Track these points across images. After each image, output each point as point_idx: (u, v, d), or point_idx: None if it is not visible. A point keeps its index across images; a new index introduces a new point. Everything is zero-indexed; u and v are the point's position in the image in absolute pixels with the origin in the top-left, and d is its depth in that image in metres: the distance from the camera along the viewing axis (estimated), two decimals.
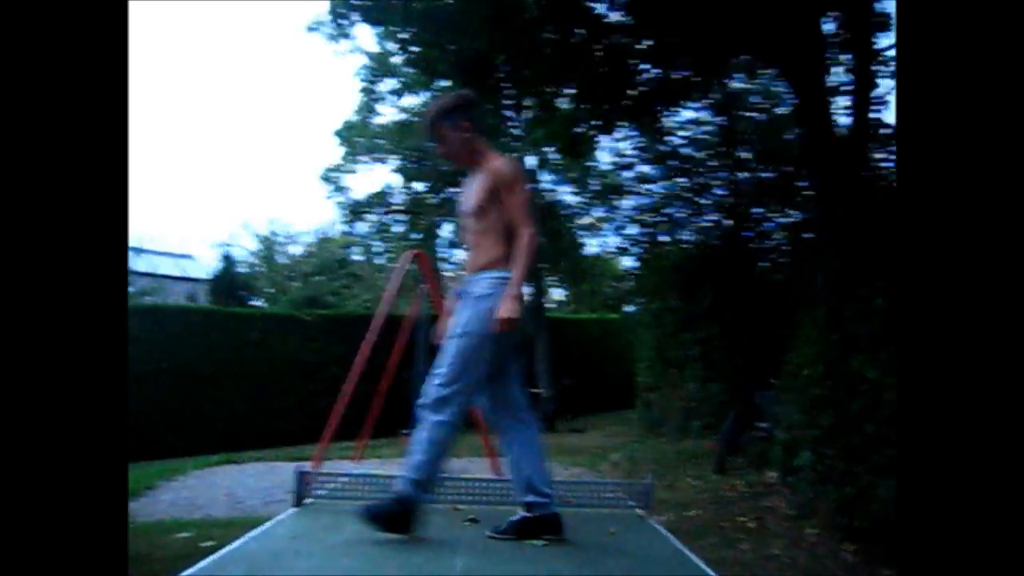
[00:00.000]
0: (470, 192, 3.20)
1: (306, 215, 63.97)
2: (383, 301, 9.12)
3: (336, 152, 17.29)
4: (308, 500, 3.52)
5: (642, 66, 7.99)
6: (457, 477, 3.72)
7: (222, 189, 57.21)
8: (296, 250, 27.43)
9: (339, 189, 16.47)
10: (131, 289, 18.23)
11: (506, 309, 2.95)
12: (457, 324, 3.04)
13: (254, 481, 8.17)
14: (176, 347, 13.83)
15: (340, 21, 9.21)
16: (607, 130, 8.48)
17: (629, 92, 7.96)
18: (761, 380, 7.47)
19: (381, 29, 13.33)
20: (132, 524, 5.90)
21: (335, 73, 62.60)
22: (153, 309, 14.40)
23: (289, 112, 57.57)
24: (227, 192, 55.91)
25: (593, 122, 8.03)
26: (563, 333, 17.89)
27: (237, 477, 8.51)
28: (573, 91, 8.38)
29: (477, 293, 3.05)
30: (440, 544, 2.79)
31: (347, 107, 41.06)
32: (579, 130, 8.10)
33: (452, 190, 15.98)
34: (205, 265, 28.02)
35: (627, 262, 17.36)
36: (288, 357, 15.08)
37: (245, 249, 25.98)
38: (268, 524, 3.05)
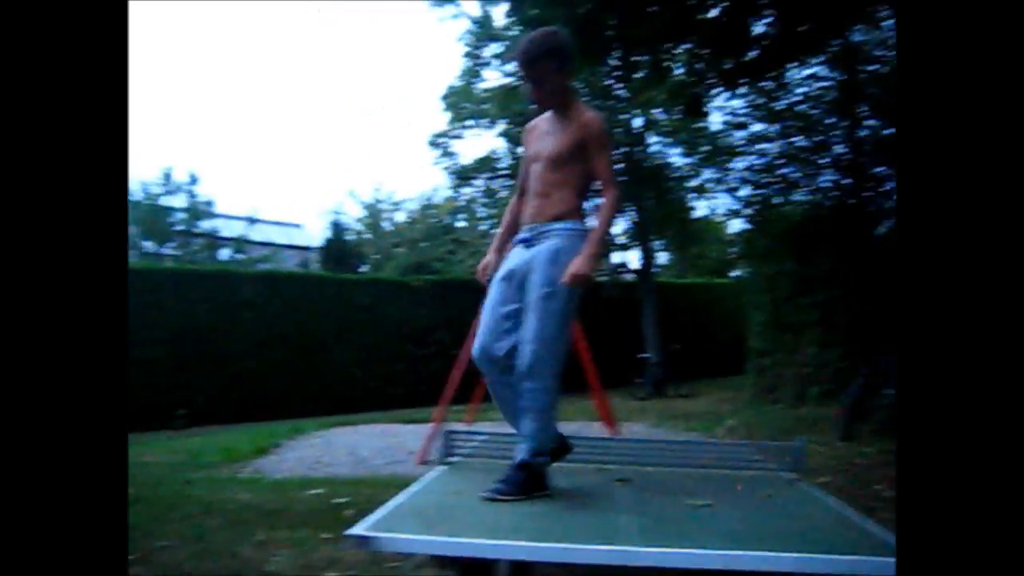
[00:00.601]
0: (552, 139, 3.11)
1: (410, 181, 64.85)
2: None
3: (442, 118, 17.35)
4: (454, 458, 3.55)
5: (761, 21, 7.70)
6: (595, 438, 3.70)
7: (327, 157, 58.47)
8: (400, 217, 27.80)
9: (446, 154, 16.58)
10: (246, 255, 18.89)
11: (583, 265, 2.87)
12: (541, 282, 2.94)
13: (372, 442, 8.36)
14: (290, 313, 14.26)
15: None
16: (731, 87, 8.21)
17: (749, 49, 7.68)
18: (887, 344, 7.19)
19: None
20: (265, 480, 6.14)
21: (437, 38, 62.83)
22: (268, 276, 14.87)
23: (388, 78, 58.27)
24: (332, 160, 57.12)
25: (711, 80, 7.78)
26: (669, 298, 17.65)
27: (355, 438, 8.72)
28: (689, 49, 8.15)
29: (553, 246, 2.97)
30: (599, 502, 2.76)
31: (450, 73, 41.22)
32: (697, 90, 7.87)
33: None
34: (312, 233, 28.78)
35: (736, 225, 16.89)
36: (397, 322, 15.37)
37: (351, 216, 26.48)
38: (425, 481, 3.09)
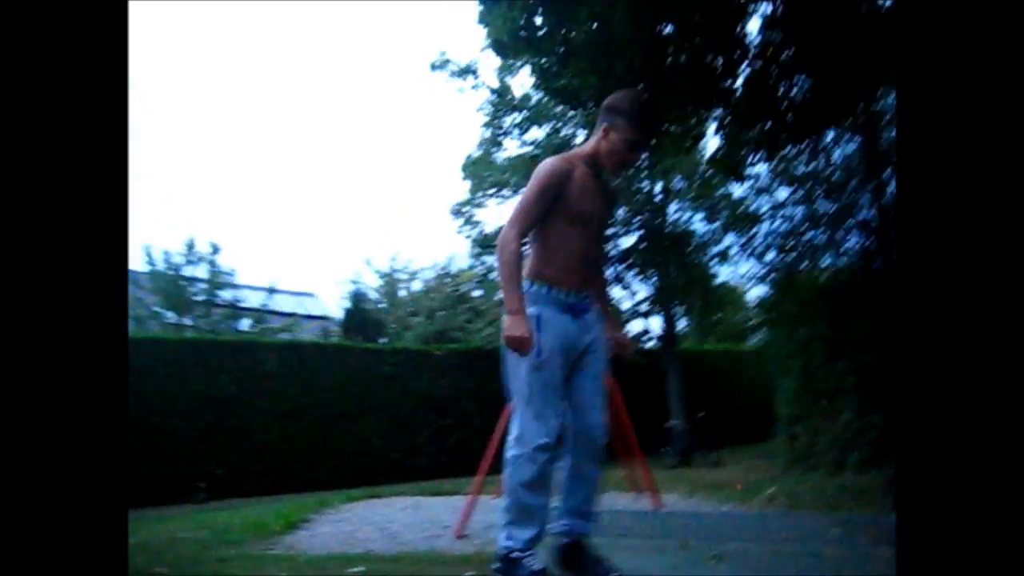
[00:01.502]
0: (603, 202, 3.12)
1: (425, 250, 65.22)
2: None
3: (460, 187, 17.50)
4: None
5: (792, 86, 7.73)
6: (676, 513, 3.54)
7: (340, 225, 58.98)
8: (416, 286, 27.81)
9: (469, 223, 16.66)
10: (267, 325, 18.86)
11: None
12: (605, 365, 3.03)
13: (403, 516, 8.14)
14: (312, 383, 14.15)
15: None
16: (772, 152, 8.23)
17: (781, 114, 7.71)
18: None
19: (514, 63, 13.51)
20: (301, 557, 5.93)
21: (449, 109, 63.83)
22: (290, 346, 14.78)
23: (397, 148, 59.14)
24: (344, 229, 57.64)
25: (748, 144, 7.80)
26: (690, 364, 17.47)
27: (385, 512, 8.50)
28: (721, 115, 8.18)
29: (601, 326, 3.09)
30: None
31: (464, 143, 41.74)
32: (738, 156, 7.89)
33: None
34: (325, 303, 28.84)
35: (758, 291, 16.83)
36: (420, 392, 15.22)
37: (368, 286, 26.51)
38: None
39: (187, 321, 17.48)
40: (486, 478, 7.82)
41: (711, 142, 8.51)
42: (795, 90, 7.65)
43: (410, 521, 7.67)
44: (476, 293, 26.67)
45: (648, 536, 3.09)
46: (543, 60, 7.81)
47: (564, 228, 2.99)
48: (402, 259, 26.88)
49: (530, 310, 2.90)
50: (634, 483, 8.38)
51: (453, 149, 60.60)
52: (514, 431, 2.90)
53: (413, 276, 28.09)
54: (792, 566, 2.79)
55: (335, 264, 63.35)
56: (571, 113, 14.77)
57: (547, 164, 3.06)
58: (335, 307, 27.50)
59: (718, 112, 8.34)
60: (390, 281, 27.39)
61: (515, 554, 2.76)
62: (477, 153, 16.91)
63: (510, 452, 2.87)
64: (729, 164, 8.26)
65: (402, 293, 27.66)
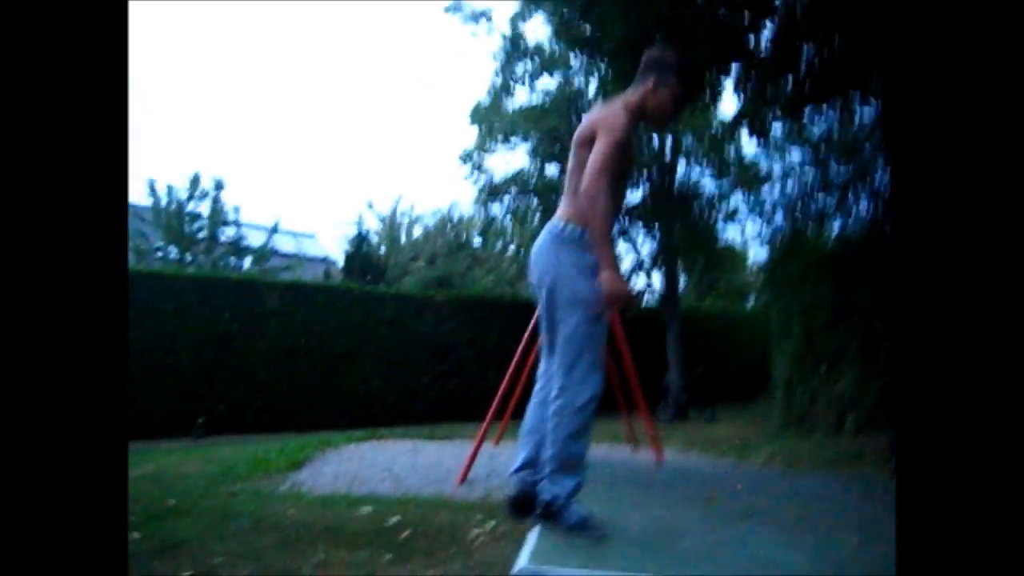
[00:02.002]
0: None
1: (427, 196, 64.81)
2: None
3: (467, 134, 17.33)
4: None
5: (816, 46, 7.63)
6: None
7: (343, 166, 58.61)
8: (417, 231, 27.76)
9: (478, 169, 16.50)
10: (269, 264, 18.84)
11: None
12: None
13: (405, 459, 8.21)
14: (313, 323, 14.17)
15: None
16: (793, 114, 8.16)
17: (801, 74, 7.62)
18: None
19: (527, 10, 13.31)
20: (308, 495, 6.00)
21: (460, 53, 63.03)
22: (293, 286, 14.77)
23: (404, 91, 58.51)
24: (347, 171, 57.27)
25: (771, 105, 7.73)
26: (690, 323, 17.53)
27: (387, 454, 8.58)
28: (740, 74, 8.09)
29: None
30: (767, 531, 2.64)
31: (473, 89, 41.25)
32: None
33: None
34: (324, 244, 28.78)
35: (760, 253, 16.85)
36: (420, 337, 15.26)
37: (369, 229, 26.45)
38: None
39: (188, 257, 17.44)
40: (488, 426, 7.89)
41: (725, 102, 8.41)
42: (817, 51, 7.56)
43: (412, 464, 7.74)
44: (476, 241, 26.67)
45: (670, 488, 3.11)
46: (564, 8, 7.69)
47: (611, 180, 2.96)
48: (404, 203, 26.80)
49: (590, 258, 2.90)
50: (632, 436, 8.47)
51: (462, 94, 59.93)
52: (562, 381, 2.88)
53: (415, 221, 28.04)
54: (819, 522, 2.84)
55: (336, 205, 63.15)
56: (584, 63, 14.59)
57: (621, 117, 3.00)
58: (335, 249, 27.51)
59: (735, 70, 8.25)
60: (392, 225, 27.33)
61: (561, 501, 2.79)
62: (487, 100, 16.71)
63: (556, 403, 2.87)
64: (753, 122, 8.18)
65: (403, 238, 27.62)
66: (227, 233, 18.22)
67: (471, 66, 59.67)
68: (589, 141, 2.97)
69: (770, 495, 3.22)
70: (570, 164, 3.15)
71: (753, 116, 8.00)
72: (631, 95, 3.14)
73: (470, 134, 17.83)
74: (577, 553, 2.16)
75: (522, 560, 1.98)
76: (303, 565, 4.07)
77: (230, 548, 4.27)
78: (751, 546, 2.48)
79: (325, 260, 26.16)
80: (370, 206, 31.88)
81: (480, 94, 17.64)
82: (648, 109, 3.09)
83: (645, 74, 3.13)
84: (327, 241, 30.09)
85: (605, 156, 2.87)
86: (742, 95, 8.41)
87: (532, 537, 2.30)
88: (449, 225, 27.30)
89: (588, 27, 7.67)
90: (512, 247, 25.57)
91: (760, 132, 9.15)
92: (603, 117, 3.01)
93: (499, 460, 7.75)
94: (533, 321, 7.27)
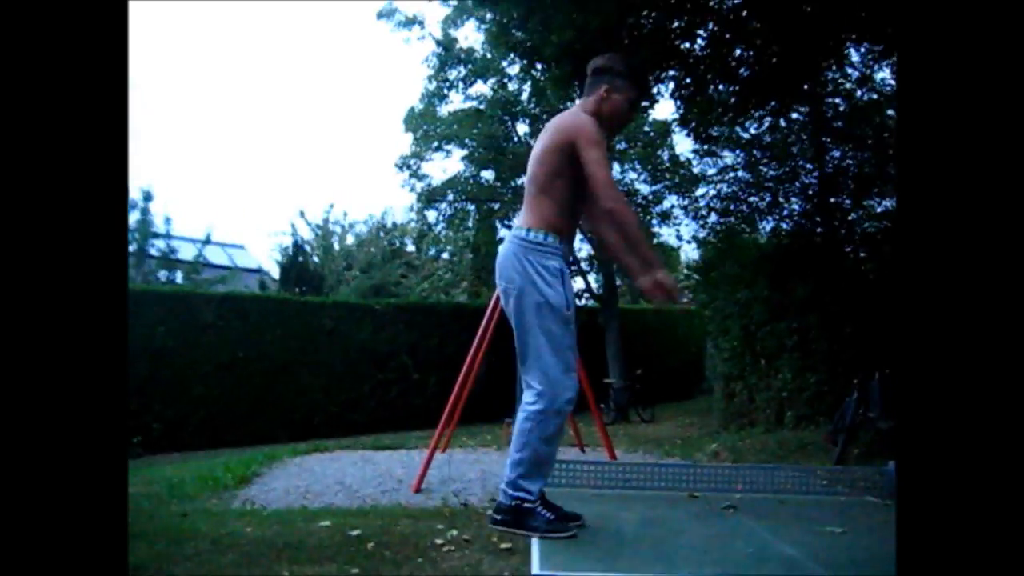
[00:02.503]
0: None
1: (358, 204, 64.04)
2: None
3: (400, 140, 17.19)
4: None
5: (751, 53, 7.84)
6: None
7: (273, 175, 57.59)
8: (349, 239, 27.41)
9: (415, 176, 16.41)
10: (202, 277, 18.42)
11: None
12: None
13: (354, 470, 8.15)
14: (251, 336, 13.93)
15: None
16: (733, 120, 8.33)
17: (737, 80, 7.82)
18: (868, 369, 7.33)
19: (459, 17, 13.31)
20: (263, 511, 5.90)
21: (389, 60, 62.64)
22: (229, 297, 14.49)
23: (333, 98, 57.92)
24: (276, 180, 56.29)
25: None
26: (626, 323, 17.74)
27: (336, 466, 8.50)
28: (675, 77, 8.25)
29: None
30: (754, 531, 2.70)
31: (404, 95, 41.01)
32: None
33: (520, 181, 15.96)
34: (253, 255, 28.23)
35: (693, 253, 17.17)
36: (360, 345, 15.13)
37: (301, 238, 25.99)
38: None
39: None
40: (408, 434, 7.88)
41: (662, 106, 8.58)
42: (752, 57, 7.76)
43: (362, 475, 7.69)
44: (410, 248, 26.50)
45: (652, 488, 3.16)
46: (500, 16, 7.72)
47: (576, 186, 3.00)
48: (336, 211, 26.43)
49: (555, 263, 2.94)
50: (579, 439, 8.56)
51: (392, 101, 59.46)
52: (538, 386, 2.89)
53: (348, 229, 27.70)
54: (801, 513, 2.92)
55: (265, 216, 62.01)
56: (516, 69, 14.67)
57: (592, 123, 3.03)
58: (266, 260, 27.01)
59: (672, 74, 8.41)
60: (324, 234, 26.95)
61: (528, 505, 2.80)
62: (420, 106, 16.66)
63: (534, 407, 2.87)
64: (693, 127, 8.34)
65: (336, 247, 27.24)
66: (157, 245, 17.74)
67: (402, 72, 59.40)
68: (558, 150, 3.00)
69: (745, 488, 3.30)
70: (530, 171, 3.16)
71: (692, 120, 8.15)
72: (588, 103, 3.18)
73: (403, 141, 17.78)
74: (587, 556, 2.19)
75: (535, 567, 2.00)
76: None
77: (190, 570, 4.18)
78: (748, 538, 2.54)
79: (259, 271, 25.66)
80: (302, 215, 31.40)
81: (412, 100, 17.59)
82: (604, 116, 3.13)
83: (596, 81, 3.17)
84: (258, 252, 29.56)
85: (604, 164, 2.93)
86: (678, 100, 8.57)
87: (536, 543, 2.31)
88: (382, 232, 27.09)
89: (524, 34, 7.72)
90: (446, 253, 25.55)
91: (699, 136, 9.34)
92: (576, 128, 3.02)
93: (451, 467, 7.76)
94: (482, 328, 7.33)
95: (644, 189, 16.43)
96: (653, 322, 20.28)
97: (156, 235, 17.74)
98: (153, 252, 17.72)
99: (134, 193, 17.33)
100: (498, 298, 3.23)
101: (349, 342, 15.02)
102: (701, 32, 7.95)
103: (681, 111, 8.24)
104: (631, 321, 18.70)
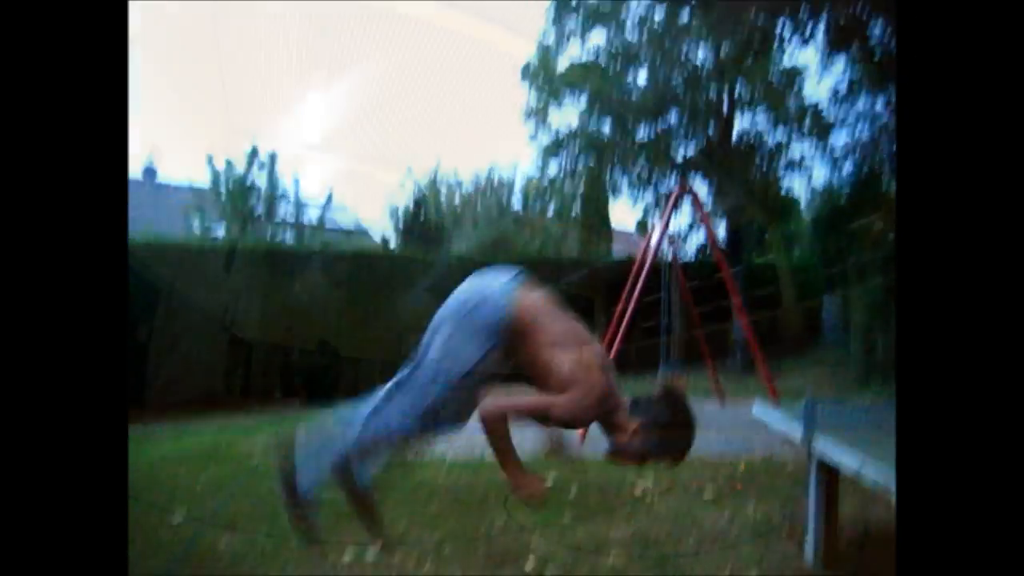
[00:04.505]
0: None
1: (467, 158, 63.82)
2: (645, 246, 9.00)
3: (516, 93, 16.88)
4: None
5: None
6: None
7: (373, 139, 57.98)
8: (456, 197, 27.56)
9: (542, 127, 16.24)
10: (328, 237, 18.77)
11: None
12: None
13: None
14: (381, 293, 14.21)
15: None
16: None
17: None
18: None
19: None
20: (442, 461, 6.03)
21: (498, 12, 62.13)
22: (359, 255, 14.88)
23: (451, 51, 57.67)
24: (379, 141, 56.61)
25: None
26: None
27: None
28: None
29: None
30: None
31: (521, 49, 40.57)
32: None
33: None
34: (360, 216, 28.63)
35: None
36: None
37: (422, 193, 26.16)
38: None
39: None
40: None
41: None
42: None
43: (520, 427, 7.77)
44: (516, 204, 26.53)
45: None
46: None
47: None
48: (446, 167, 26.42)
49: None
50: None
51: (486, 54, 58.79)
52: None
53: (456, 186, 27.79)
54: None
55: (365, 175, 62.72)
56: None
57: None
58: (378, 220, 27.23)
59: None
60: (434, 191, 27.13)
61: None
62: (536, 59, 16.41)
63: None
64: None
65: (444, 205, 27.40)
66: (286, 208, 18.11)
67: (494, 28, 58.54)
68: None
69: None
70: None
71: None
72: None
73: (508, 94, 17.30)
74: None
75: None
76: (489, 529, 4.15)
77: (413, 514, 4.37)
78: None
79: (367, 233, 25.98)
80: (409, 172, 31.69)
81: (519, 54, 17.31)
82: None
83: None
84: (366, 212, 29.79)
85: None
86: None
87: None
88: (490, 189, 27.09)
89: None
90: (552, 208, 25.30)
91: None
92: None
93: None
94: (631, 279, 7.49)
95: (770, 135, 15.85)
96: (772, 275, 19.78)
97: (285, 197, 18.14)
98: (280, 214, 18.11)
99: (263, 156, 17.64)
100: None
101: None
102: None
103: None
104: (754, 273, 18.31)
